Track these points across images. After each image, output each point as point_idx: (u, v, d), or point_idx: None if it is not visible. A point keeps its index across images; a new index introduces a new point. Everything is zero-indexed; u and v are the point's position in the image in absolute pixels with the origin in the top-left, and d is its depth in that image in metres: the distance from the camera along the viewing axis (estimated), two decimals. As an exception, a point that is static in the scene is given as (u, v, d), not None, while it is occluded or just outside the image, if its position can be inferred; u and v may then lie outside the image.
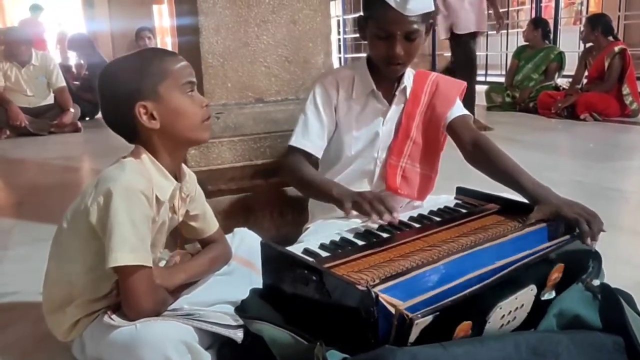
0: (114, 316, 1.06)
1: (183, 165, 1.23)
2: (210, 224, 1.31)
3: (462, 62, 4.21)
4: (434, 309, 0.85)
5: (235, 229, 1.43)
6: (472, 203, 1.38)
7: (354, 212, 1.29)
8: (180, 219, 1.23)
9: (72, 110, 5.10)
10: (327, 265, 1.01)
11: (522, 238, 1.13)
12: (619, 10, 6.82)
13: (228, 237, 1.36)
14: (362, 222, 1.31)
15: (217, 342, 1.10)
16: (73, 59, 6.78)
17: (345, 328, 0.92)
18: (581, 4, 9.74)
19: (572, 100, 4.74)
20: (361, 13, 1.48)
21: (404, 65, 1.45)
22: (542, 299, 1.05)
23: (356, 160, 1.53)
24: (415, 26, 1.37)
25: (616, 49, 4.68)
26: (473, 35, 4.13)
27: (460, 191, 1.45)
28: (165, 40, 10.55)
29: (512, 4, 9.43)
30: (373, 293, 0.86)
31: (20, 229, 2.27)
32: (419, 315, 0.83)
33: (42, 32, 8.34)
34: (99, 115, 5.23)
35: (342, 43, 10.35)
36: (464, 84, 1.60)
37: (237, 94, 1.82)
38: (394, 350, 0.82)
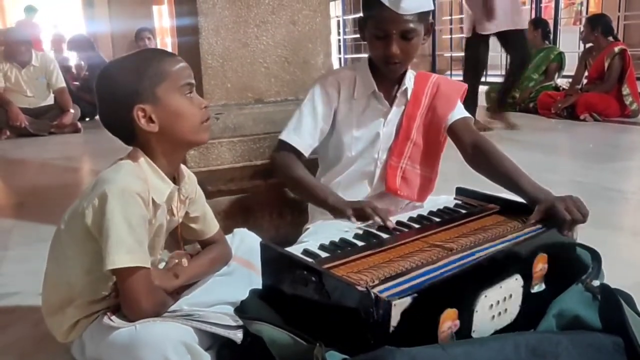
0: (113, 317, 1.06)
1: (183, 166, 1.22)
2: (211, 226, 1.30)
3: (470, 63, 4.24)
4: (412, 291, 0.87)
5: (235, 230, 1.43)
6: (471, 203, 1.38)
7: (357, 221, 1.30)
8: (180, 220, 1.23)
9: (72, 110, 5.10)
10: (326, 266, 1.01)
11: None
12: (619, 11, 6.84)
13: (228, 237, 1.35)
14: (362, 223, 1.31)
15: (216, 343, 1.10)
16: (73, 59, 6.78)
17: (344, 329, 0.92)
18: (581, 4, 9.75)
19: (572, 100, 4.74)
20: (361, 14, 1.49)
21: (402, 64, 1.46)
22: (533, 291, 1.07)
23: (356, 161, 1.53)
24: (411, 25, 1.37)
25: (616, 49, 4.67)
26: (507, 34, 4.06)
27: (460, 192, 1.45)
28: (165, 40, 10.54)
29: (512, 4, 9.41)
30: (372, 294, 0.86)
31: (20, 230, 2.27)
32: (397, 297, 0.84)
33: (38, 33, 8.33)
34: (99, 115, 5.23)
35: (342, 44, 10.35)
36: (465, 85, 1.61)
37: (237, 94, 1.82)
38: (393, 351, 0.82)
